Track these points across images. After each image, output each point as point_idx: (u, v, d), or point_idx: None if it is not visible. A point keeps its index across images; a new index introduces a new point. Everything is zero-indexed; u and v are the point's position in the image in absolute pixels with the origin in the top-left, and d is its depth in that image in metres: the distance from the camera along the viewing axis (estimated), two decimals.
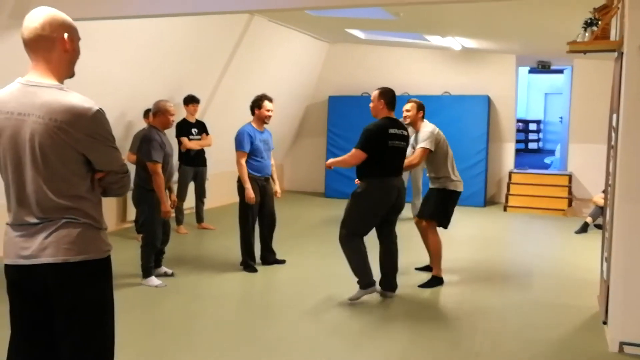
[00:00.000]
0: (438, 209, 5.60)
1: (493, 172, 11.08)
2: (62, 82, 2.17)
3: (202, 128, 7.94)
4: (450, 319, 4.76)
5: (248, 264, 5.98)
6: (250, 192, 5.73)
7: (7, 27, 5.22)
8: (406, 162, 5.30)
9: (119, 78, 6.86)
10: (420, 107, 5.63)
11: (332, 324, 4.52)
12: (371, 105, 5.12)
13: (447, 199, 5.60)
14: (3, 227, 2.24)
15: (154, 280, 5.41)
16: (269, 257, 6.22)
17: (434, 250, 5.66)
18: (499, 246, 7.72)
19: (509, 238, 8.42)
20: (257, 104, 5.89)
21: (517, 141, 12.52)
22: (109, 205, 7.84)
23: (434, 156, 5.51)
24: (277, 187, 6.22)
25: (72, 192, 2.12)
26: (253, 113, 5.93)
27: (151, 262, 5.43)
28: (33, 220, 2.12)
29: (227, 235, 7.79)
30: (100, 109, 2.13)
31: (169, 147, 5.36)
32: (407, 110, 5.57)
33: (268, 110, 5.87)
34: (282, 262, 6.27)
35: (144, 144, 5.23)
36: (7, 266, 2.18)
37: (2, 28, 5.21)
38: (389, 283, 5.19)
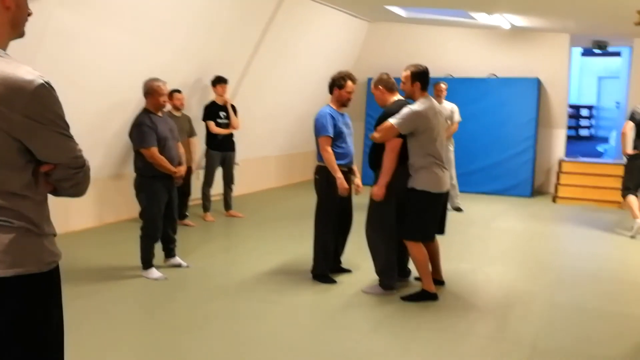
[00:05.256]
0: (410, 221, 4.57)
1: (542, 161, 10.38)
2: (4, 48, 1.73)
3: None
4: (490, 330, 4.23)
5: (324, 275, 5.06)
6: (343, 182, 4.85)
7: None
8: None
9: (140, 56, 6.46)
10: (417, 77, 4.56)
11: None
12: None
13: (420, 203, 4.54)
14: None
15: (154, 273, 5.10)
16: (334, 265, 5.25)
17: (416, 263, 4.66)
18: (546, 242, 7.09)
19: (558, 233, 7.74)
20: (338, 82, 4.98)
21: (568, 127, 11.73)
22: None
23: (410, 143, 4.52)
24: (358, 180, 5.22)
25: (3, 187, 1.68)
26: (331, 92, 5.05)
27: (151, 253, 5.12)
28: None
29: (255, 224, 7.41)
30: (47, 82, 1.67)
31: (165, 129, 5.02)
32: (402, 82, 4.63)
33: (349, 92, 5.00)
34: (348, 271, 5.32)
35: (134, 129, 4.96)
36: None
37: None
38: None
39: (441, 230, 4.86)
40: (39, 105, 1.65)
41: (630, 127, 7.15)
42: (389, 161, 4.56)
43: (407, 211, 4.58)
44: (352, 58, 11.21)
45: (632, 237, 7.04)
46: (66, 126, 1.74)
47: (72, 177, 1.79)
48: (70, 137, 1.76)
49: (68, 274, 5.07)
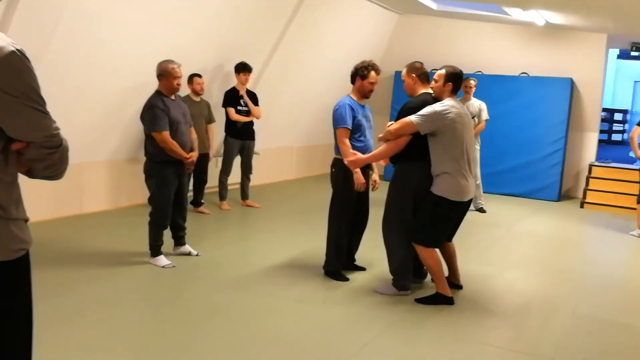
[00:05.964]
0: (422, 225, 4.36)
1: (571, 164, 10.02)
2: None
3: (252, 99, 7.36)
4: (507, 339, 4.01)
5: (337, 272, 4.87)
6: (360, 177, 4.65)
7: None
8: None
9: (160, 38, 6.31)
10: (451, 78, 4.35)
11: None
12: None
13: (436, 209, 4.31)
14: None
15: (162, 260, 4.95)
16: (348, 262, 5.06)
17: (428, 268, 4.54)
18: (571, 248, 6.82)
19: (584, 239, 7.45)
20: (361, 72, 4.75)
21: (600, 131, 11.34)
22: None
23: (431, 145, 4.32)
24: (375, 176, 5.03)
25: None
26: (353, 82, 4.84)
27: (159, 240, 4.97)
28: None
29: (271, 215, 7.26)
30: (20, 50, 1.50)
31: (177, 113, 4.86)
32: (435, 80, 4.42)
33: (372, 83, 4.78)
34: (362, 269, 5.12)
35: (146, 112, 4.79)
36: None
37: None
38: None
39: (449, 238, 4.64)
40: (8, 74, 1.49)
41: (638, 132, 7.21)
42: (386, 150, 4.44)
43: (420, 212, 4.38)
44: (380, 50, 10.97)
45: (634, 235, 7.21)
46: (41, 101, 1.58)
47: (47, 158, 1.62)
48: (46, 114, 1.60)
49: (76, 257, 5.03)
